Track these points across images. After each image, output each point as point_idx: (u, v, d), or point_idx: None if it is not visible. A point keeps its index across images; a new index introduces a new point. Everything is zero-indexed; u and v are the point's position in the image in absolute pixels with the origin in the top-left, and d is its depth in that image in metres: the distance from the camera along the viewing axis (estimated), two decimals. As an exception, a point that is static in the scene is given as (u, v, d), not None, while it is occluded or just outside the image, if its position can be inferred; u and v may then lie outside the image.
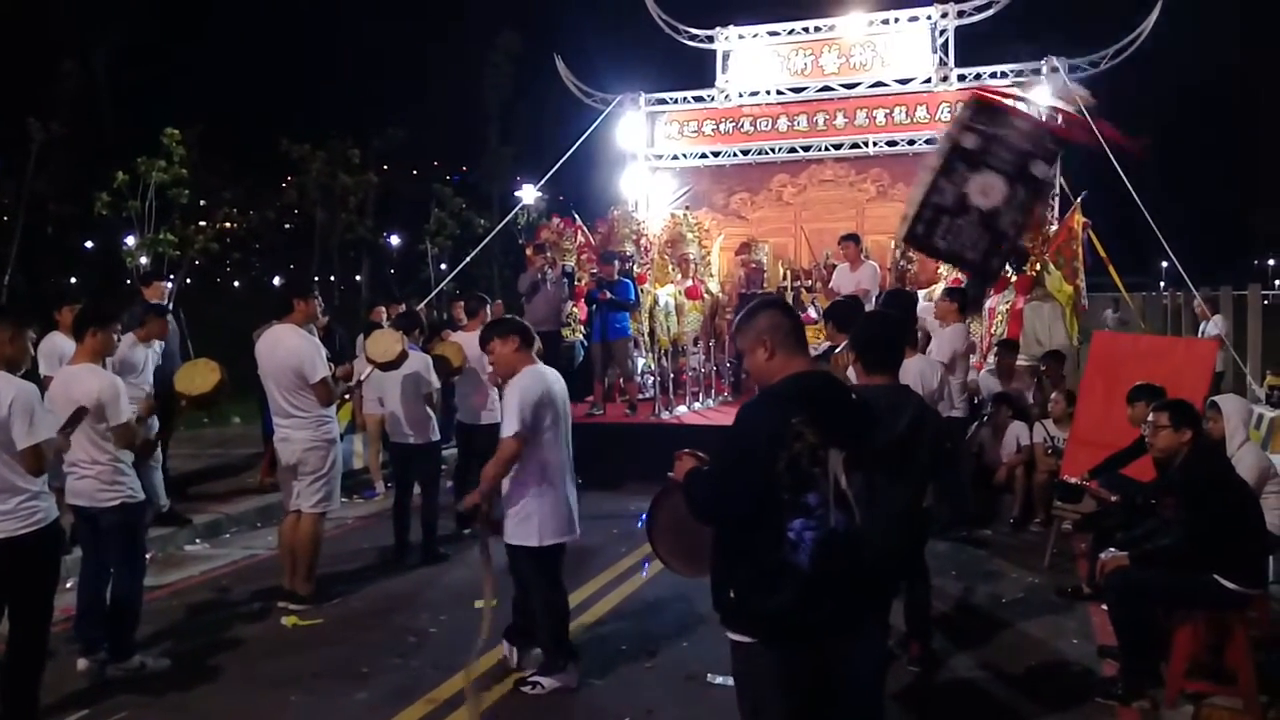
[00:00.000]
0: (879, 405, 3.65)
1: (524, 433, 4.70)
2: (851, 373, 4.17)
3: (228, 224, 23.10)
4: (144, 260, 14.97)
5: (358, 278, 33.38)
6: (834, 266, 11.57)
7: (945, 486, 7.12)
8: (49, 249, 22.73)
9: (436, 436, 7.70)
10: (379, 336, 7.22)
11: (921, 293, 10.57)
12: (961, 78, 13.04)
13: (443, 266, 23.58)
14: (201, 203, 19.09)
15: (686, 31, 14.28)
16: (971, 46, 13.27)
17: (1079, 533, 7.25)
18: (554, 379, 4.98)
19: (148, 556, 7.40)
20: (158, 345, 7.76)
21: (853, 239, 10.73)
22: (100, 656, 5.14)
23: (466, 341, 8.38)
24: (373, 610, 6.29)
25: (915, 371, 5.32)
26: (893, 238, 13.03)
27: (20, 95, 19.57)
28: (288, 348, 6.11)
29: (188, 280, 18.02)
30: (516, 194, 18.23)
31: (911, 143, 13.29)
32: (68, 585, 6.12)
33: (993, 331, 10.70)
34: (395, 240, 36.13)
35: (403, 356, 7.00)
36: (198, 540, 8.15)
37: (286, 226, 30.24)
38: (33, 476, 4.23)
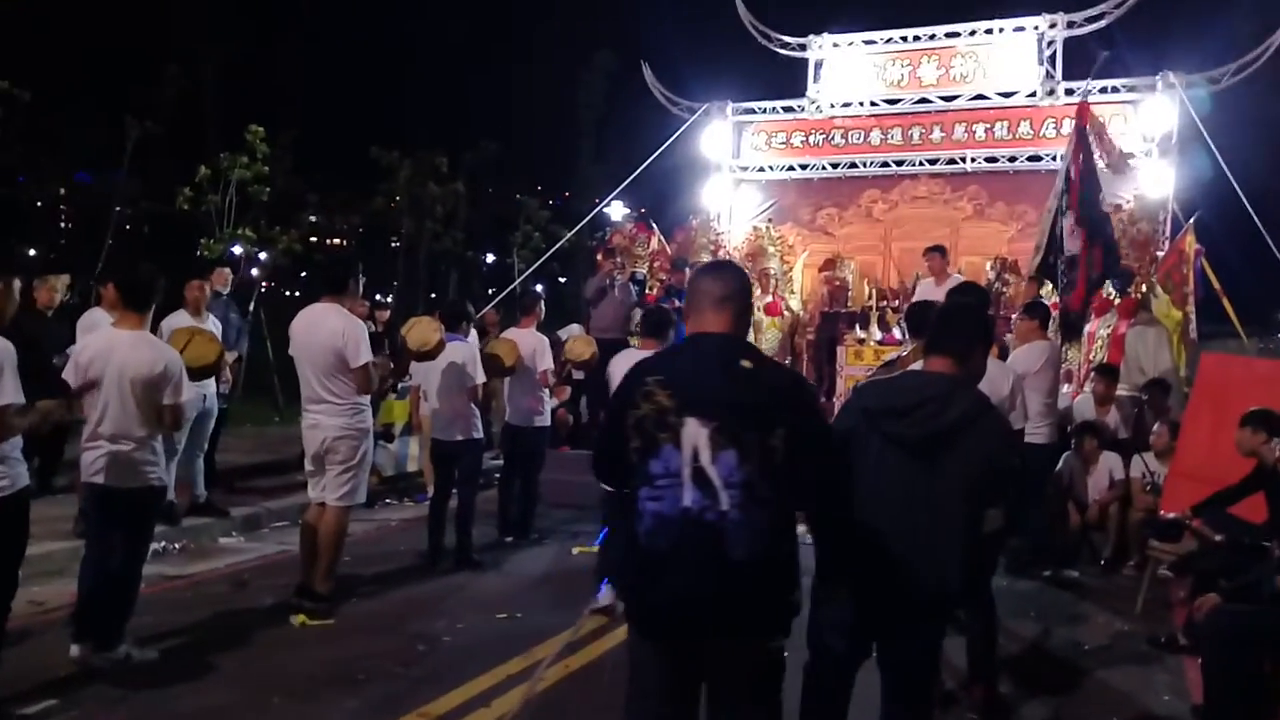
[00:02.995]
0: (926, 391, 3.10)
1: None
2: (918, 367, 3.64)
3: (312, 235, 23.26)
4: (236, 250, 14.92)
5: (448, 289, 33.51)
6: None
7: (1021, 515, 6.41)
8: (146, 247, 23.30)
9: (479, 435, 7.20)
10: (415, 324, 6.83)
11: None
12: (1069, 91, 12.18)
13: (538, 287, 23.50)
14: (308, 214, 19.16)
15: (778, 39, 13.71)
16: (1080, 58, 12.43)
17: (1176, 575, 6.39)
18: None
19: (178, 546, 7.25)
20: (212, 320, 7.48)
21: (938, 250, 10.02)
22: (89, 644, 4.77)
23: (521, 339, 7.94)
24: (389, 614, 5.83)
25: (985, 374, 4.65)
26: (988, 259, 12.29)
27: (122, 96, 20.03)
28: (330, 328, 5.67)
29: (270, 281, 18.08)
30: (605, 209, 17.76)
31: (1013, 159, 12.51)
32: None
33: (1091, 358, 9.85)
34: (490, 258, 36.30)
35: (440, 346, 6.58)
36: (234, 533, 7.84)
37: (393, 242, 30.02)
38: None
